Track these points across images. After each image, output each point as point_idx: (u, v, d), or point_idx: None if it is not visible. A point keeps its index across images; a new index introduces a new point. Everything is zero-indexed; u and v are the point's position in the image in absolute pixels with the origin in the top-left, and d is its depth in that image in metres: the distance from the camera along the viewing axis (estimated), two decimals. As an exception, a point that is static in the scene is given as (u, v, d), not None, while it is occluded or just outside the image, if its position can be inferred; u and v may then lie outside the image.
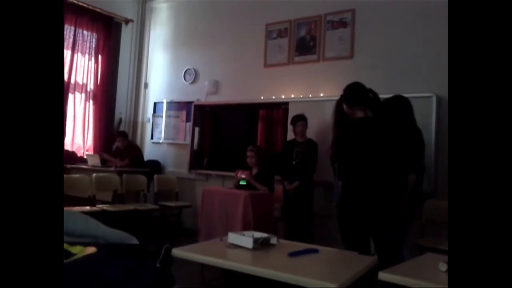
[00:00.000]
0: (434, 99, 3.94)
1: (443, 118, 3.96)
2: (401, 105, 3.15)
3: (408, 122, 3.07)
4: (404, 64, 4.26)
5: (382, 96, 3.76)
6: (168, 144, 6.19)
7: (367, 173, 2.45)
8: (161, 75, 6.42)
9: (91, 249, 1.24)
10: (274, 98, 5.09)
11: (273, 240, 2.07)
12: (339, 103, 2.67)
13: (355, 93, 2.62)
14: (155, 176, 5.52)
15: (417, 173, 2.92)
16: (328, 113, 4.50)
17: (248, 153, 4.35)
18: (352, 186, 2.52)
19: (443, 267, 1.68)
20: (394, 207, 2.43)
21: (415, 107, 3.26)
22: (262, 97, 5.19)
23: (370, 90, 2.61)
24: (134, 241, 1.40)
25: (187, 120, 5.96)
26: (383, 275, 1.63)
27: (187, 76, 6.06)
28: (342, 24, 4.70)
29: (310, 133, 4.37)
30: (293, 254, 1.89)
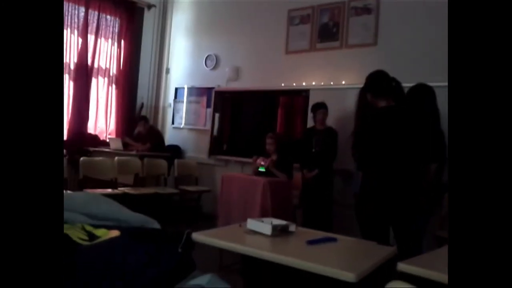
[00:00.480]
0: (459, 89, 3.85)
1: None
2: (423, 93, 3.08)
3: (429, 111, 3.01)
4: (428, 53, 4.16)
5: (406, 84, 3.70)
6: (189, 129, 6.24)
7: (388, 163, 2.43)
8: (182, 61, 6.44)
9: (115, 232, 1.27)
10: (294, 85, 5.05)
11: (292, 228, 2.08)
12: (362, 93, 2.64)
13: (378, 82, 2.58)
14: (176, 161, 5.59)
15: (438, 162, 2.87)
16: (349, 101, 4.45)
17: (268, 140, 4.35)
18: (373, 175, 2.51)
19: (464, 260, 1.66)
20: (414, 196, 2.41)
21: (439, 96, 3.19)
22: (282, 84, 5.16)
23: (393, 79, 2.57)
24: (156, 225, 1.43)
25: (208, 106, 5.99)
26: (402, 266, 1.62)
27: (208, 62, 6.07)
28: (366, 10, 4.60)
29: (330, 121, 4.34)
30: (311, 242, 1.89)
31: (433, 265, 1.65)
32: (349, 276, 1.47)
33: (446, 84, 3.66)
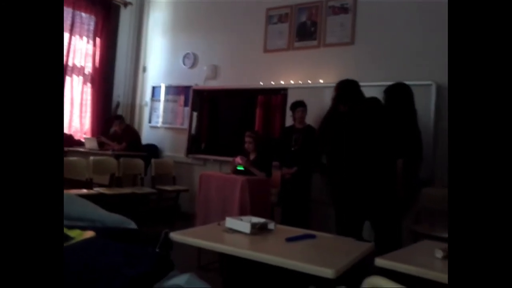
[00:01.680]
0: (433, 87, 3.93)
1: (442, 106, 3.95)
2: (401, 92, 3.15)
3: (406, 109, 3.08)
4: (404, 52, 4.24)
5: (382, 83, 3.76)
6: (166, 128, 6.17)
7: (355, 160, 2.49)
8: (159, 59, 6.37)
9: (90, 233, 1.23)
10: (273, 83, 5.06)
11: (271, 225, 2.08)
12: (336, 100, 2.72)
13: (350, 91, 2.66)
14: (153, 160, 5.52)
15: (408, 158, 2.92)
16: (327, 99, 4.47)
17: (246, 139, 4.34)
18: (342, 174, 2.56)
19: (439, 254, 1.70)
20: (383, 190, 2.47)
21: (416, 95, 3.26)
22: (261, 83, 5.16)
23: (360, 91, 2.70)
24: (133, 225, 1.40)
25: (185, 104, 5.94)
26: (379, 261, 1.65)
27: (186, 60, 6.02)
28: (344, 10, 4.65)
29: (309, 119, 4.36)
30: (290, 240, 1.89)
31: (410, 260, 1.68)
32: (328, 272, 1.48)
33: (423, 82, 3.76)
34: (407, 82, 3.30)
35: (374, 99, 2.89)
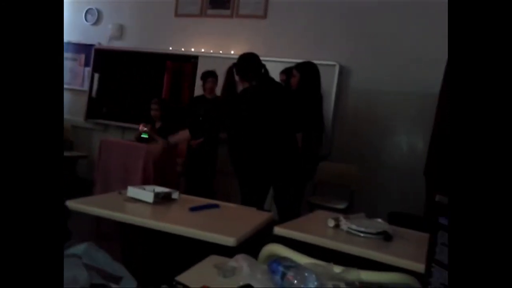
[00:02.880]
0: (337, 68, 4.16)
1: (344, 86, 4.22)
2: (310, 71, 3.28)
3: (313, 88, 3.22)
4: (313, 31, 4.40)
5: (289, 59, 3.88)
6: (64, 89, 5.68)
7: (257, 134, 2.57)
8: (57, 11, 5.77)
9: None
10: (183, 50, 4.92)
11: (175, 195, 2.07)
12: (230, 70, 2.71)
13: (249, 65, 2.67)
14: (47, 123, 5.07)
15: (308, 133, 3.08)
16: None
17: (152, 106, 4.21)
18: (243, 147, 2.63)
19: (331, 223, 1.85)
20: (284, 162, 2.60)
21: (323, 74, 3.42)
22: (170, 48, 4.98)
23: (263, 66, 2.69)
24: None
25: (86, 64, 5.51)
26: (278, 230, 1.74)
27: (88, 16, 5.54)
28: (258, -18, 4.64)
29: (218, 90, 4.35)
30: (194, 209, 1.91)
31: (305, 229, 1.80)
32: (229, 241, 1.52)
33: (328, 63, 3.92)
34: (315, 61, 3.45)
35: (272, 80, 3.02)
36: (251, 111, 2.59)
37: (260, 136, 2.58)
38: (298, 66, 3.24)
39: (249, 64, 2.66)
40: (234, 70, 2.68)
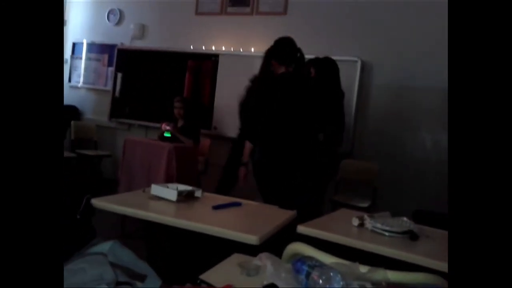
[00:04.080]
0: (359, 64, 4.10)
1: (366, 82, 4.16)
2: (329, 67, 3.23)
3: (333, 85, 3.18)
4: (334, 27, 4.34)
5: (311, 56, 3.83)
6: (88, 89, 5.80)
7: (279, 131, 2.53)
8: (82, 13, 5.88)
9: None
10: (204, 48, 4.94)
11: (198, 193, 2.08)
12: (267, 55, 2.68)
13: (283, 48, 2.64)
14: (72, 123, 5.18)
15: (330, 133, 3.03)
16: (257, 69, 4.49)
17: (176, 104, 4.24)
18: (266, 145, 2.59)
19: (356, 222, 1.82)
20: (309, 164, 2.56)
21: (341, 70, 3.37)
22: (191, 47, 5.01)
23: (299, 50, 2.64)
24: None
25: (109, 64, 5.60)
26: (301, 229, 1.73)
27: (111, 16, 5.63)
28: (278, -22, 4.61)
29: (240, 88, 4.34)
30: (217, 207, 1.91)
31: (329, 227, 1.78)
32: (252, 239, 1.52)
33: (350, 58, 3.86)
34: (334, 57, 3.40)
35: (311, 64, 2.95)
36: (284, 100, 2.55)
37: (288, 126, 2.53)
38: (314, 61, 3.19)
39: (285, 48, 2.65)
40: (270, 54, 2.66)
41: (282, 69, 2.60)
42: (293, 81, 2.59)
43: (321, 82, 3.04)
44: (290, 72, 2.59)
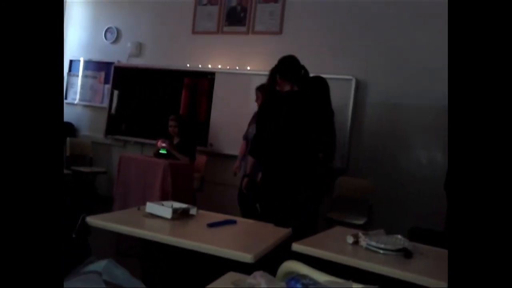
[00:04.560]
0: (353, 82, 4.16)
1: (360, 100, 4.21)
2: (319, 85, 3.27)
3: (325, 104, 3.21)
4: (328, 46, 4.41)
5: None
6: (84, 106, 5.82)
7: (283, 148, 2.55)
8: (79, 31, 5.94)
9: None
10: (200, 67, 4.99)
11: (193, 211, 2.08)
12: (272, 73, 2.73)
13: (288, 65, 2.69)
14: (68, 139, 5.18)
15: (325, 152, 3.05)
16: (253, 87, 4.54)
17: (170, 122, 4.26)
18: (269, 161, 2.61)
19: (350, 239, 1.82)
20: (307, 183, 2.57)
21: (336, 88, 3.42)
22: (188, 65, 5.06)
23: (303, 67, 2.70)
24: (45, 209, 1.31)
25: (106, 82, 5.63)
26: (296, 246, 1.73)
27: (108, 34, 5.69)
28: (274, -2, 4.71)
29: (235, 105, 4.39)
30: (212, 225, 1.91)
31: (324, 245, 1.79)
32: (246, 257, 1.52)
33: (344, 77, 3.90)
34: (329, 76, 3.45)
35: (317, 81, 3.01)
36: (290, 116, 2.59)
37: (293, 142, 2.56)
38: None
39: (289, 65, 2.71)
40: (275, 72, 2.72)
41: (287, 87, 2.65)
42: (298, 98, 2.64)
43: (312, 100, 3.08)
44: (295, 91, 2.64)
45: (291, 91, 2.64)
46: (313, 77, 3.33)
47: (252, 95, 3.92)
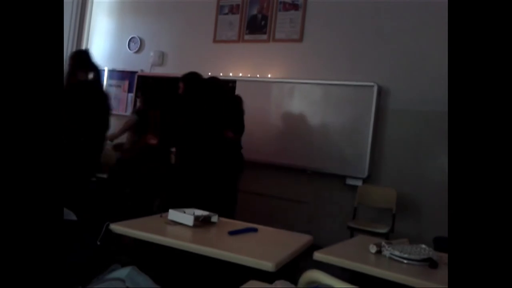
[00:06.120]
0: (375, 89, 4.11)
1: (382, 107, 4.16)
2: (192, 82, 3.70)
3: (199, 100, 3.60)
4: (349, 53, 4.38)
5: (327, 82, 3.87)
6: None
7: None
8: (103, 41, 6.09)
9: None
10: (221, 75, 5.03)
11: (214, 218, 2.09)
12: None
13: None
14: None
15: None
16: (274, 94, 4.56)
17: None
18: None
19: (373, 249, 1.80)
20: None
21: (358, 95, 3.39)
22: (209, 73, 5.10)
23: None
24: (72, 216, 1.34)
25: (130, 90, 5.74)
26: (318, 255, 1.71)
27: (131, 44, 5.81)
28: (294, 6, 4.71)
29: (255, 112, 4.40)
30: (233, 233, 1.92)
31: (346, 254, 1.77)
32: (267, 266, 1.52)
33: (366, 83, 3.88)
34: (350, 82, 3.43)
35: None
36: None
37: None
38: (183, 78, 3.73)
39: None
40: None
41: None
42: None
43: (188, 97, 3.40)
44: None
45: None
46: (187, 73, 3.84)
47: (274, 102, 3.93)
